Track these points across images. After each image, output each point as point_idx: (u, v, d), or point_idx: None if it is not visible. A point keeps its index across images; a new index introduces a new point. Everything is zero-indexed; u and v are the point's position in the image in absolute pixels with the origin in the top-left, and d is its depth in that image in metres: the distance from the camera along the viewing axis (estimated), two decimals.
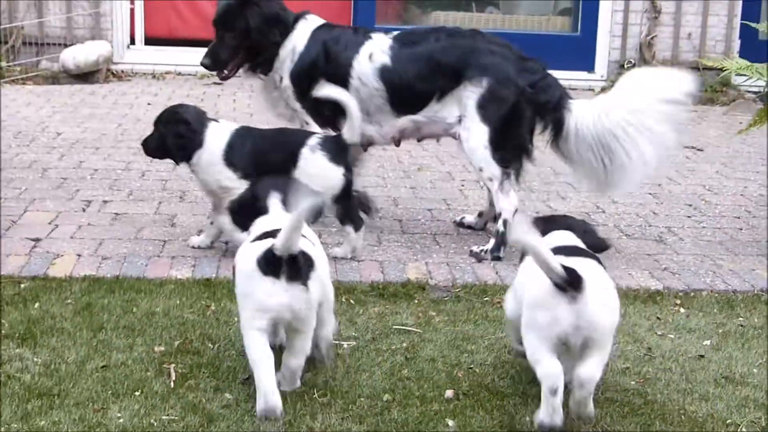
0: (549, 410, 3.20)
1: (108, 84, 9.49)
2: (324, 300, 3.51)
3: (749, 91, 9.92)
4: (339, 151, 4.72)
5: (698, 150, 7.66)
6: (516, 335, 3.53)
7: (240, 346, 3.82)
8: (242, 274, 3.41)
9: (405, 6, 11.33)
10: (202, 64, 5.50)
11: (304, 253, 3.34)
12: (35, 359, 3.67)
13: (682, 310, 4.44)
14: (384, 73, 5.11)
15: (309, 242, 3.48)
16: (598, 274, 3.33)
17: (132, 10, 10.36)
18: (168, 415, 3.31)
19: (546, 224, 3.66)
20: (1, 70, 9.11)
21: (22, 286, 4.36)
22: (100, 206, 5.52)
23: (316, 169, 4.68)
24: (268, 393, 3.30)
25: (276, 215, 3.61)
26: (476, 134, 5.03)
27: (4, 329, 3.91)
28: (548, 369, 3.21)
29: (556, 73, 10.40)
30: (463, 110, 5.07)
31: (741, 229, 5.62)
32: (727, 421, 3.43)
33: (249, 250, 3.41)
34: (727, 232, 5.55)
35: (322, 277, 3.47)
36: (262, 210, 3.68)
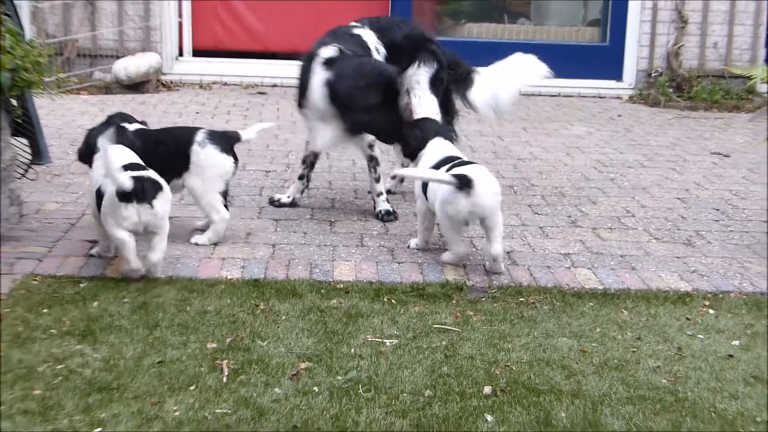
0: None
1: (158, 94, 9.56)
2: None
3: None
4: (226, 142, 5.06)
5: (725, 156, 7.63)
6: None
7: (288, 342, 3.86)
8: None
9: (440, 19, 11.33)
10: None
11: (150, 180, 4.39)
12: (95, 355, 3.71)
13: (711, 311, 4.43)
14: None
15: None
16: (481, 172, 4.73)
17: (180, 24, 10.43)
18: (221, 408, 3.35)
19: (422, 134, 5.19)
20: (58, 81, 9.19)
21: (82, 285, 4.41)
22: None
23: (209, 161, 4.95)
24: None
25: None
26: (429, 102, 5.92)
27: (65, 326, 3.96)
28: (459, 248, 4.81)
29: (585, 82, 10.49)
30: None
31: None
32: (757, 419, 3.43)
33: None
34: (755, 236, 5.52)
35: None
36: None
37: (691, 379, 3.72)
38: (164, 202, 4.47)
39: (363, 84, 5.28)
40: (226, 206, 5.03)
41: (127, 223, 4.37)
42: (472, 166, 4.84)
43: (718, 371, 3.79)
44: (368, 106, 5.28)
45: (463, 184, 4.61)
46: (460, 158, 4.97)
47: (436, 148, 5.10)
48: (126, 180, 4.28)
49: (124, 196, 4.32)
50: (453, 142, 5.34)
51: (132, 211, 4.36)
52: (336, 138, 5.51)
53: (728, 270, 4.95)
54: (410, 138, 5.21)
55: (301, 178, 5.83)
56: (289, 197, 5.82)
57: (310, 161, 5.84)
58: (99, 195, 4.48)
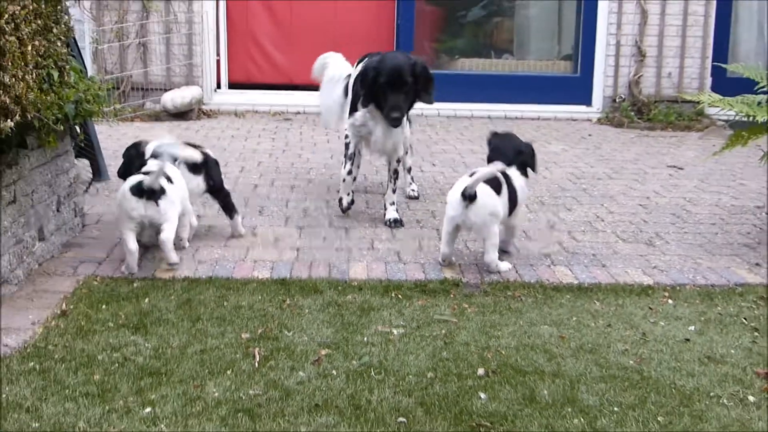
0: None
1: (199, 120, 9.53)
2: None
3: (720, 120, 9.78)
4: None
5: (679, 169, 7.57)
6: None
7: (311, 332, 3.83)
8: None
9: (437, 54, 11.30)
10: (394, 118, 5.39)
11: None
12: (146, 344, 3.68)
13: (670, 301, 4.38)
14: None
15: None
16: (485, 191, 4.59)
17: (218, 61, 10.41)
18: (253, 390, 3.32)
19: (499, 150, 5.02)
20: (115, 111, 9.18)
21: (135, 285, 4.38)
22: (196, 221, 5.53)
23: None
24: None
25: None
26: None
27: (121, 320, 3.93)
28: (443, 248, 4.75)
29: (560, 107, 10.48)
30: None
31: (717, 234, 5.53)
32: (711, 394, 3.39)
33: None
34: (706, 236, 5.47)
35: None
36: None
37: (654, 360, 3.68)
38: (167, 201, 4.55)
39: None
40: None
41: (134, 214, 4.50)
42: (486, 181, 4.64)
43: (677, 353, 3.75)
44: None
45: (467, 197, 4.57)
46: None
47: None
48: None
49: (136, 191, 4.50)
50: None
51: (140, 205, 4.49)
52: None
53: (684, 266, 4.90)
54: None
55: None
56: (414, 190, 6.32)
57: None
58: None
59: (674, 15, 10.18)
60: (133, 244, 4.52)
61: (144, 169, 4.68)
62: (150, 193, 4.49)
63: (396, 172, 5.70)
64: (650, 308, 4.27)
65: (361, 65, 5.68)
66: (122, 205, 4.55)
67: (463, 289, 4.47)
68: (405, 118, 5.58)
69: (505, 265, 4.72)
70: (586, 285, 4.57)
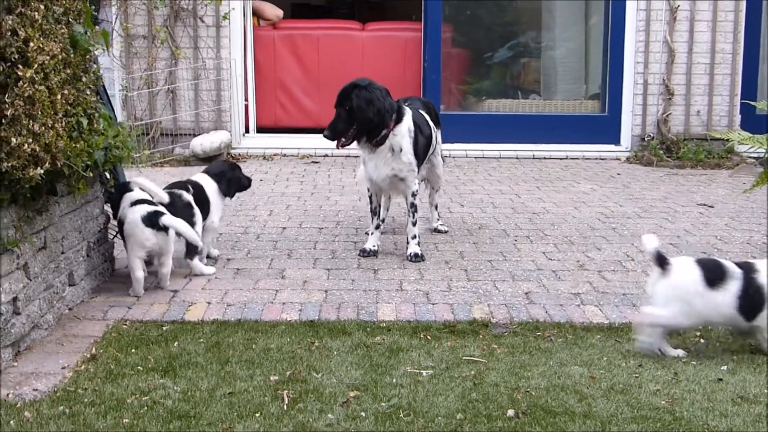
0: None
1: None
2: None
3: (750, 157, 9.73)
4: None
5: (709, 207, 7.53)
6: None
7: (339, 374, 3.83)
8: None
9: (464, 96, 11.37)
10: (324, 136, 5.63)
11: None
12: (175, 387, 3.70)
13: (701, 340, 4.34)
14: None
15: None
16: None
17: (246, 106, 10.54)
18: None
19: None
20: (145, 156, 9.30)
21: (164, 328, 4.42)
22: (225, 263, 5.58)
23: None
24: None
25: None
26: None
27: (150, 363, 3.95)
28: None
29: (588, 146, 10.51)
30: None
31: None
32: None
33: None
34: None
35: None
36: None
37: (686, 400, 3.64)
38: (173, 233, 4.94)
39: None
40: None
41: (148, 244, 4.86)
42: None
43: (709, 393, 3.71)
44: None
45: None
46: None
47: None
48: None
49: (148, 222, 4.85)
50: None
51: (150, 234, 4.82)
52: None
53: None
54: None
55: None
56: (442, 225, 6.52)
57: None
58: (120, 223, 5.05)
59: (702, 53, 10.18)
60: (139, 272, 4.90)
61: (145, 199, 5.05)
62: (157, 224, 4.85)
63: (413, 205, 5.75)
64: (682, 348, 4.23)
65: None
66: (134, 234, 4.88)
67: (492, 329, 4.46)
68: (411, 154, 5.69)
69: None
70: (617, 325, 4.54)
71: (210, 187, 5.58)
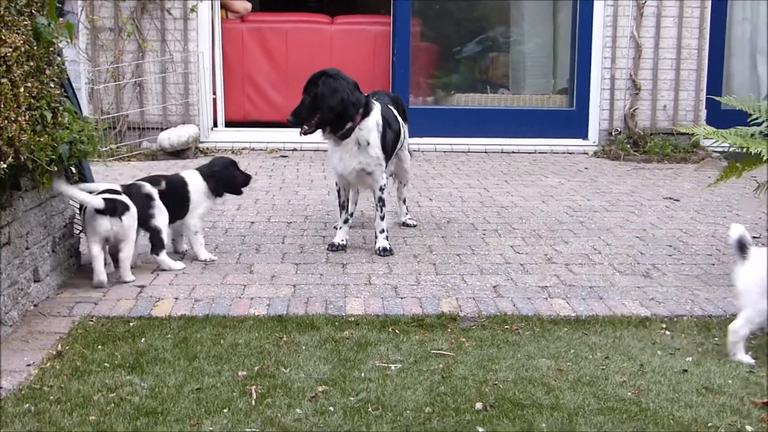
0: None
1: (197, 159, 9.57)
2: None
3: (715, 151, 9.85)
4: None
5: (675, 200, 7.60)
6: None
7: (308, 369, 3.82)
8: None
9: (433, 89, 11.38)
10: (287, 120, 5.64)
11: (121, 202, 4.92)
12: (142, 384, 3.67)
13: (667, 332, 4.38)
14: None
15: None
16: None
17: (214, 100, 10.48)
18: (250, 428, 3.30)
19: None
20: (112, 150, 9.22)
21: (131, 324, 4.38)
22: (192, 258, 5.55)
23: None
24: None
25: None
26: None
27: (117, 360, 3.92)
28: None
29: (556, 141, 10.58)
30: None
31: (713, 265, 5.55)
32: (709, 424, 3.37)
33: None
34: (702, 267, 5.48)
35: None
36: None
37: (652, 391, 3.67)
38: (131, 218, 4.96)
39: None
40: None
41: (102, 230, 4.89)
42: None
43: (675, 384, 3.74)
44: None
45: None
46: None
47: None
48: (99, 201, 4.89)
49: (99, 211, 4.87)
50: None
51: (104, 221, 4.87)
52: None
53: (681, 297, 4.90)
54: None
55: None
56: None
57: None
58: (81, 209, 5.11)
59: (668, 49, 10.27)
60: (99, 261, 4.95)
61: (103, 189, 5.07)
62: (113, 211, 4.88)
63: (381, 200, 5.75)
64: (648, 340, 4.27)
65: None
66: (89, 222, 4.93)
67: (460, 323, 4.47)
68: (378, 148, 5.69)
69: None
70: (584, 317, 4.57)
71: (195, 184, 5.50)
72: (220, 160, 5.72)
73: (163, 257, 5.25)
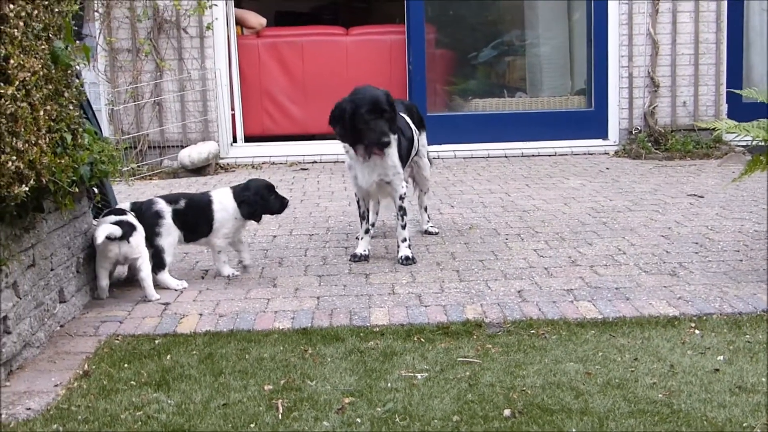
0: None
1: (217, 175, 9.60)
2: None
3: (738, 146, 9.77)
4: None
5: (699, 197, 7.52)
6: None
7: (334, 381, 3.79)
8: None
9: (450, 96, 11.36)
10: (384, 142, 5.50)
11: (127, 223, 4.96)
12: (169, 401, 3.66)
13: (697, 331, 4.32)
14: None
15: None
16: None
17: (233, 116, 10.52)
18: None
19: None
20: (133, 170, 9.26)
21: (156, 341, 4.38)
22: (215, 274, 5.54)
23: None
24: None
25: None
26: None
27: (143, 378, 3.91)
28: None
29: (576, 142, 10.50)
30: None
31: (741, 261, 5.47)
32: (744, 425, 3.31)
33: None
34: (730, 264, 5.41)
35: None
36: None
37: (684, 392, 3.62)
38: (138, 237, 4.99)
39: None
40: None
41: (111, 255, 4.95)
42: None
43: (706, 384, 3.69)
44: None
45: None
46: None
47: None
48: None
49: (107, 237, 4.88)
50: None
51: (111, 245, 4.91)
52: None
53: (709, 295, 4.84)
54: None
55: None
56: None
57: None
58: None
59: (685, 44, 10.19)
60: (104, 281, 5.06)
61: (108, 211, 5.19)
62: (122, 235, 4.89)
63: (402, 208, 5.72)
64: (677, 340, 4.21)
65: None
66: (98, 247, 4.95)
67: (486, 329, 4.44)
68: (396, 153, 5.66)
69: None
70: (611, 319, 4.52)
71: (223, 203, 5.43)
72: (255, 183, 5.53)
73: (163, 276, 5.22)
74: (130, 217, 5.04)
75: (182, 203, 5.34)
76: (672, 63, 10.23)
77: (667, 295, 4.85)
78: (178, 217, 5.30)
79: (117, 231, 4.84)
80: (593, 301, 4.79)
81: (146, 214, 5.22)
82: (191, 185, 8.88)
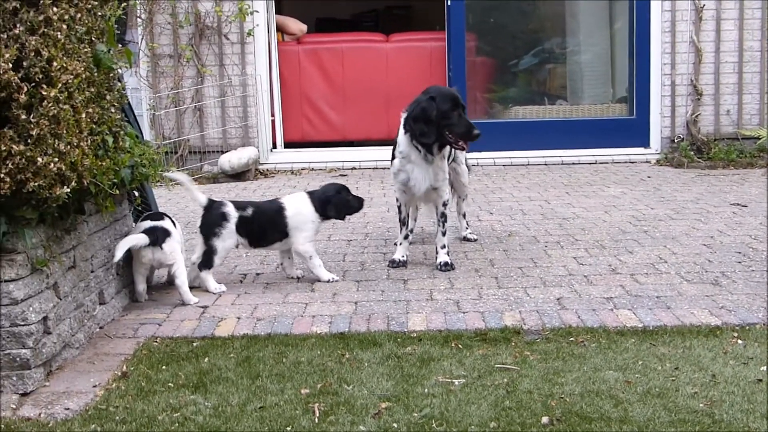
0: None
1: (257, 180, 9.64)
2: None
3: None
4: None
5: (743, 206, 7.42)
6: None
7: (371, 386, 3.78)
8: None
9: (490, 103, 11.32)
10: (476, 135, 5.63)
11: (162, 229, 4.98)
12: (206, 403, 3.67)
13: (739, 341, 4.25)
14: None
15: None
16: None
17: (273, 122, 10.57)
18: None
19: None
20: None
21: (194, 344, 4.40)
22: (254, 278, 5.57)
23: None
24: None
25: None
26: None
27: (181, 380, 3.93)
28: None
29: (618, 150, 10.39)
30: None
31: None
32: None
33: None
34: None
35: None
36: None
37: (726, 402, 3.56)
38: (172, 243, 4.99)
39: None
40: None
41: (145, 260, 4.98)
42: None
43: (749, 394, 3.62)
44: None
45: None
46: None
47: None
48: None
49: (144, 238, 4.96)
50: None
51: (146, 251, 4.93)
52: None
53: (752, 304, 4.76)
54: None
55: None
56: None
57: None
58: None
59: (729, 52, 10.07)
60: (141, 286, 5.11)
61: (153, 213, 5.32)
62: (153, 241, 4.92)
63: (444, 215, 5.72)
64: (719, 349, 4.14)
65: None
66: (134, 253, 5.00)
67: (524, 336, 4.40)
68: (443, 159, 5.67)
69: None
70: (651, 328, 4.46)
71: (298, 207, 5.44)
72: (333, 185, 5.62)
73: (205, 275, 5.26)
74: (166, 223, 5.07)
75: (249, 211, 5.35)
76: (715, 71, 10.11)
77: (709, 305, 4.78)
78: (243, 225, 5.32)
79: (142, 240, 4.88)
80: (633, 310, 4.73)
81: (213, 212, 5.29)
82: (231, 190, 8.93)
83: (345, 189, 5.60)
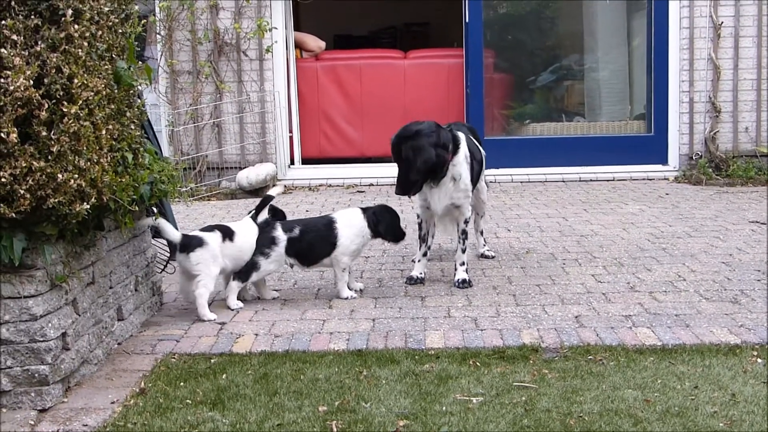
0: None
1: None
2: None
3: None
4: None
5: (762, 224, 7.37)
6: None
7: (388, 403, 3.77)
8: None
9: (508, 120, 11.32)
10: (396, 193, 5.71)
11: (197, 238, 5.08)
12: (224, 420, 3.67)
13: (759, 360, 4.21)
14: None
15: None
16: None
17: (291, 138, 10.60)
18: None
19: None
20: (192, 190, 9.37)
21: (212, 361, 4.40)
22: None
23: None
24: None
25: None
26: None
27: (199, 397, 3.93)
28: None
29: (635, 167, 10.36)
30: None
31: None
32: None
33: None
34: None
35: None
36: None
37: (746, 422, 3.53)
38: (200, 255, 5.03)
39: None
40: None
41: (179, 267, 5.16)
42: None
43: None
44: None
45: None
46: None
47: None
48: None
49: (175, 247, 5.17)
50: None
51: (179, 257, 5.08)
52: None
53: None
54: None
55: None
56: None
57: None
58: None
59: (748, 69, 10.04)
60: (185, 285, 5.17)
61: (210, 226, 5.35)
62: (183, 247, 5.04)
63: (465, 232, 5.71)
64: (739, 368, 4.11)
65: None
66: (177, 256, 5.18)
67: (542, 354, 4.38)
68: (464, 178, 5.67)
69: None
70: (670, 346, 4.43)
71: (350, 221, 5.46)
72: (386, 206, 5.63)
73: (235, 286, 5.27)
74: (209, 235, 5.10)
75: (297, 231, 5.36)
76: (734, 88, 10.08)
77: (729, 323, 4.75)
78: (292, 245, 5.34)
79: (172, 235, 5.07)
80: (652, 328, 4.70)
81: (264, 234, 5.30)
82: (249, 206, 8.93)
83: (396, 215, 5.62)
